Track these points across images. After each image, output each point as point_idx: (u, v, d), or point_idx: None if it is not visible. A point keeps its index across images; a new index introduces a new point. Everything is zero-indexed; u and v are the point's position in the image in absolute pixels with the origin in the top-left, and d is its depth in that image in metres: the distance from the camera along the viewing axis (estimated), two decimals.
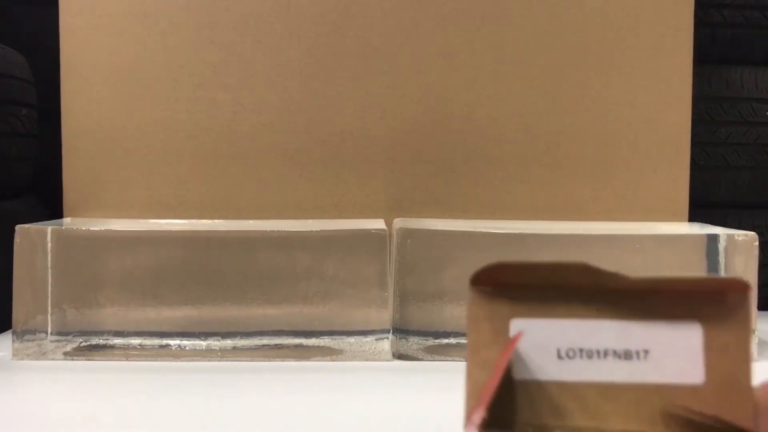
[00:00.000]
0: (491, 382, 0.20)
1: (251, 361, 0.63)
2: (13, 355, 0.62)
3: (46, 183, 0.84)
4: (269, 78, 0.76)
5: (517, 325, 0.23)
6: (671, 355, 0.22)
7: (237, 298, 0.64)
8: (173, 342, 0.64)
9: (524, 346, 0.23)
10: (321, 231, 0.65)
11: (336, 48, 0.76)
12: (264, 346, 0.63)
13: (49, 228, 0.63)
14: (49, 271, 0.63)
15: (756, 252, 0.63)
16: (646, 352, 0.23)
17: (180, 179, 0.76)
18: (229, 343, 0.63)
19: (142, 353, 0.63)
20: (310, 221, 0.72)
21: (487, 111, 0.77)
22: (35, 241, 0.63)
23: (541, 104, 0.77)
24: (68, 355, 0.63)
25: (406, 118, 0.77)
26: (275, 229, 0.65)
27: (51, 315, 0.63)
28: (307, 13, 0.76)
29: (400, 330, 0.64)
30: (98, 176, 0.75)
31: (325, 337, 0.64)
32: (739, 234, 0.64)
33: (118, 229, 0.66)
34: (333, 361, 0.63)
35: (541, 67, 0.77)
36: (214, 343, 0.63)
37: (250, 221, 0.74)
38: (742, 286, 0.22)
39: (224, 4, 0.75)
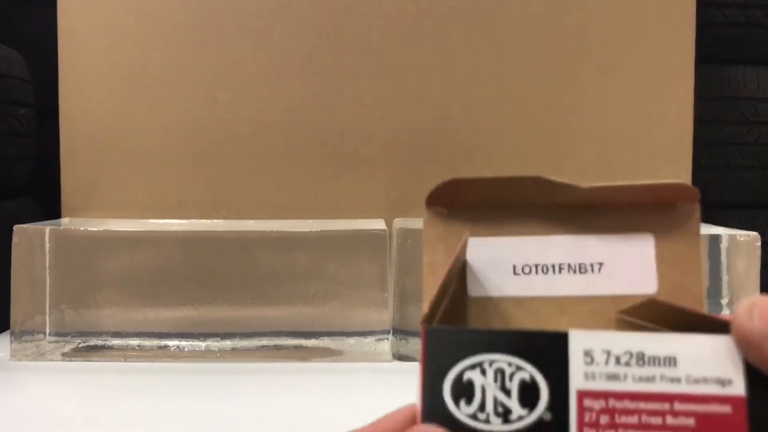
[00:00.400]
0: (442, 282, 0.20)
1: (251, 362, 0.62)
2: (12, 355, 0.62)
3: (44, 183, 0.84)
4: (269, 78, 0.76)
5: (473, 243, 0.23)
6: (625, 266, 0.23)
7: (236, 298, 0.64)
8: (172, 343, 0.63)
9: (479, 264, 0.23)
10: (321, 231, 0.64)
11: (336, 48, 0.76)
12: (263, 347, 0.63)
13: (47, 228, 0.63)
14: (48, 271, 0.63)
15: (758, 252, 0.63)
16: (600, 264, 0.23)
17: (179, 179, 0.75)
18: (228, 344, 0.63)
19: (141, 354, 0.63)
20: (310, 221, 0.72)
21: (487, 111, 0.77)
22: (33, 241, 0.63)
23: (541, 104, 0.77)
24: (66, 355, 0.63)
25: (406, 118, 0.76)
26: (275, 230, 0.65)
27: (49, 315, 0.63)
28: (307, 13, 0.76)
29: (400, 331, 0.64)
30: (97, 176, 0.75)
31: (325, 337, 0.63)
32: (741, 234, 0.64)
33: (116, 229, 0.66)
34: (333, 361, 0.63)
35: (541, 66, 0.76)
36: (214, 344, 0.63)
37: (250, 221, 0.74)
38: (691, 194, 0.22)
39: (224, 3, 0.75)
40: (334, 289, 0.63)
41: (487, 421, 0.19)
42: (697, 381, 0.18)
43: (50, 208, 0.80)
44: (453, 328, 0.20)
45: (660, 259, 0.23)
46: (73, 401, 0.53)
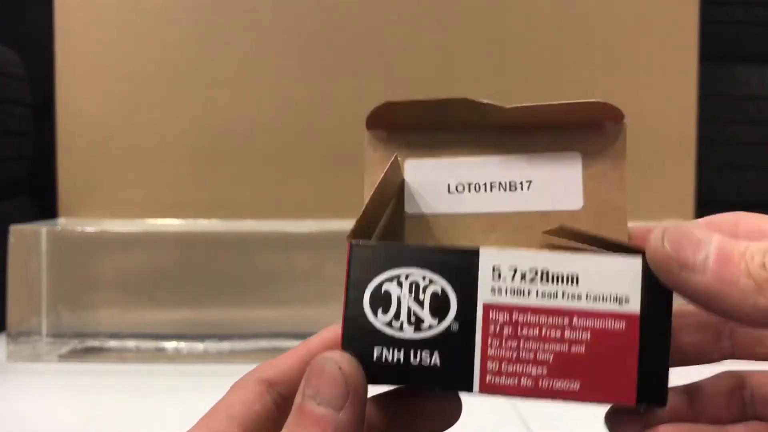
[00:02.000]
0: (369, 198, 0.22)
1: (249, 363, 0.62)
2: (8, 357, 0.62)
3: (40, 182, 0.83)
4: (268, 77, 0.75)
5: (410, 165, 0.25)
6: (552, 184, 0.24)
7: (235, 299, 0.63)
8: (169, 344, 0.63)
9: (416, 184, 0.25)
10: (320, 231, 0.64)
11: (335, 46, 0.75)
12: (262, 348, 0.63)
13: (43, 228, 0.63)
14: (44, 272, 0.62)
15: None
16: (529, 182, 0.24)
17: (177, 179, 0.75)
18: (226, 345, 0.63)
19: (138, 356, 0.62)
20: (309, 222, 0.71)
21: None
22: (29, 241, 0.62)
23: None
24: (63, 357, 0.62)
25: None
26: (274, 230, 0.64)
27: (46, 317, 0.62)
28: (307, 10, 0.75)
29: None
30: (93, 176, 0.74)
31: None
32: None
33: (113, 229, 0.65)
34: None
35: (544, 65, 0.76)
36: (212, 345, 0.63)
37: (248, 222, 0.73)
38: (616, 114, 0.24)
39: (223, 2, 0.75)
40: (334, 290, 0.62)
41: (400, 329, 0.20)
42: (596, 298, 0.20)
43: (46, 208, 0.79)
44: (374, 243, 0.21)
45: (586, 176, 0.24)
46: (70, 403, 0.53)
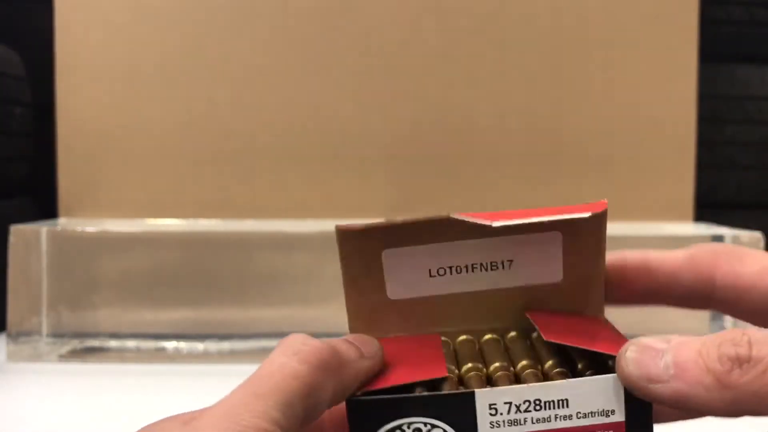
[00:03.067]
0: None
1: (250, 363, 0.62)
2: (8, 357, 0.62)
3: (40, 183, 0.83)
4: (268, 77, 0.75)
5: (388, 253, 0.25)
6: (532, 261, 0.25)
7: (235, 299, 0.63)
8: (170, 344, 0.63)
9: (396, 271, 0.25)
10: (320, 232, 0.64)
11: (335, 46, 0.75)
12: (263, 348, 0.62)
13: (43, 228, 0.63)
14: (44, 272, 0.62)
15: None
16: (510, 261, 0.25)
17: (177, 179, 0.75)
18: (226, 345, 0.63)
19: (138, 356, 0.62)
20: (309, 222, 0.71)
21: (488, 110, 0.76)
22: (30, 241, 0.62)
23: (543, 103, 0.76)
24: (63, 357, 0.62)
25: (407, 117, 0.76)
26: (274, 230, 0.64)
27: (46, 316, 0.62)
28: (306, 10, 0.75)
29: None
30: (94, 176, 0.74)
31: (325, 339, 0.63)
32: (745, 234, 0.63)
33: (113, 229, 0.65)
34: None
35: (543, 65, 0.76)
36: (212, 345, 0.63)
37: (249, 222, 0.73)
38: (602, 206, 0.25)
39: (223, 2, 0.75)
40: (334, 289, 0.62)
41: None
42: (585, 415, 0.22)
43: (47, 208, 0.79)
44: (373, 398, 0.22)
45: (566, 251, 0.25)
46: (70, 403, 0.53)
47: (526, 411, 0.22)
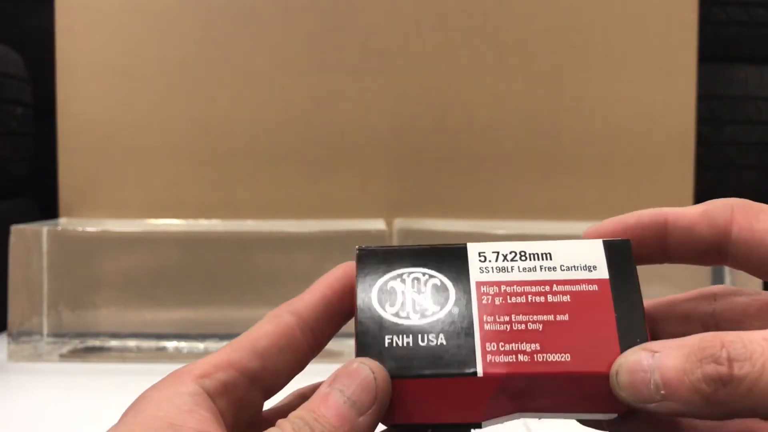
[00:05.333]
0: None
1: None
2: (9, 356, 0.62)
3: (41, 183, 0.83)
4: (268, 77, 0.75)
5: None
6: None
7: (235, 299, 0.63)
8: (170, 344, 0.63)
9: None
10: (320, 232, 0.64)
11: (336, 47, 0.75)
12: None
13: (44, 228, 0.63)
14: (45, 272, 0.62)
15: None
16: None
17: (177, 179, 0.75)
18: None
19: (139, 355, 0.62)
20: (310, 222, 0.71)
21: (488, 110, 0.76)
22: (30, 241, 0.62)
23: (543, 103, 0.76)
24: (64, 357, 0.62)
25: (407, 117, 0.76)
26: (274, 230, 0.64)
27: (47, 316, 0.62)
28: (307, 11, 0.75)
29: None
30: (94, 176, 0.74)
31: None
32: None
33: (114, 229, 0.65)
34: (332, 363, 0.62)
35: (543, 65, 0.76)
36: (212, 345, 0.63)
37: (249, 222, 0.73)
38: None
39: (223, 2, 0.75)
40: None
41: (407, 317, 0.23)
42: (569, 268, 0.23)
43: (47, 208, 0.79)
44: (378, 247, 0.24)
45: None
46: (71, 403, 0.53)
47: (512, 260, 0.24)
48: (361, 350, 0.22)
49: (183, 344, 0.63)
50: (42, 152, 0.82)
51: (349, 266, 0.25)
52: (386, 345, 0.22)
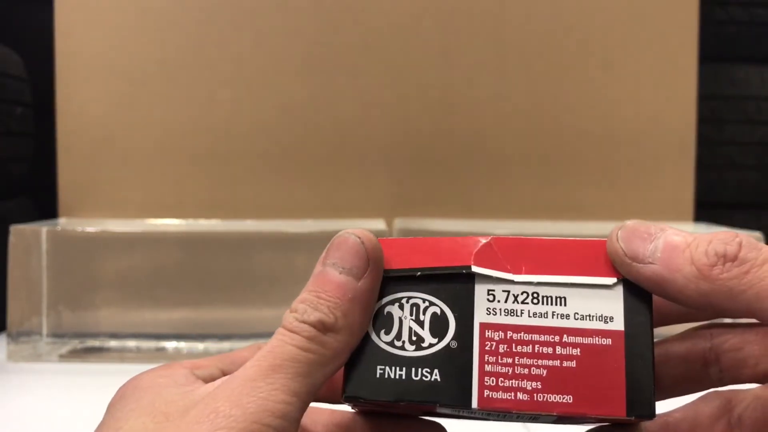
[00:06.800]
0: None
1: None
2: (8, 357, 0.62)
3: (41, 183, 0.83)
4: (268, 76, 0.75)
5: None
6: None
7: (235, 299, 0.63)
8: (170, 344, 0.63)
9: None
10: (320, 232, 0.64)
11: (336, 46, 0.75)
12: None
13: (44, 228, 0.63)
14: (44, 272, 0.62)
15: None
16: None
17: (177, 179, 0.75)
18: (226, 345, 0.63)
19: (139, 356, 0.62)
20: (309, 222, 0.71)
21: (488, 110, 0.76)
22: (30, 241, 0.62)
23: (543, 103, 0.76)
24: (64, 357, 0.62)
25: (407, 117, 0.76)
26: (274, 230, 0.64)
27: (46, 316, 0.62)
28: (307, 10, 0.75)
29: None
30: (94, 176, 0.74)
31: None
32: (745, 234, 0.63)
33: (113, 229, 0.65)
34: None
35: (543, 65, 0.76)
36: (212, 345, 0.63)
37: (248, 222, 0.73)
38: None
39: (223, 1, 0.74)
40: None
41: (402, 347, 0.22)
42: (583, 317, 0.22)
43: (47, 208, 0.79)
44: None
45: None
46: (71, 403, 0.53)
47: (523, 302, 0.22)
48: (349, 378, 0.22)
49: (182, 344, 0.63)
50: (41, 152, 0.82)
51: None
52: (377, 376, 0.21)
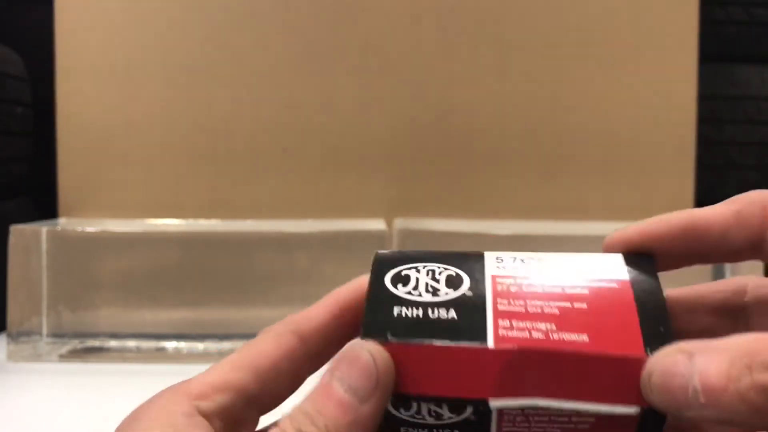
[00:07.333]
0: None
1: None
2: (8, 357, 0.62)
3: (41, 183, 0.83)
4: (268, 76, 0.75)
5: None
6: None
7: (235, 299, 0.63)
8: (170, 344, 0.63)
9: None
10: (320, 232, 0.64)
11: (335, 46, 0.75)
12: None
13: (44, 228, 0.63)
14: (44, 272, 0.62)
15: None
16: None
17: (177, 179, 0.75)
18: (226, 345, 0.63)
19: (139, 356, 0.62)
20: (309, 222, 0.71)
21: (488, 110, 0.76)
22: (30, 241, 0.62)
23: (543, 103, 0.76)
24: (63, 357, 0.62)
25: (407, 117, 0.76)
26: (273, 230, 0.64)
27: (46, 316, 0.62)
28: (306, 10, 0.75)
29: None
30: (94, 176, 0.74)
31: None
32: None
33: (114, 229, 0.65)
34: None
35: (543, 65, 0.76)
36: (212, 345, 0.63)
37: (248, 222, 0.73)
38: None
39: (222, 1, 0.74)
40: (333, 289, 0.62)
41: (419, 295, 0.22)
42: (587, 273, 0.23)
43: (47, 208, 0.79)
44: (396, 250, 0.25)
45: None
46: (71, 403, 0.53)
47: (529, 263, 0.23)
48: (368, 318, 0.22)
49: (182, 344, 0.63)
50: (42, 152, 0.82)
51: (364, 279, 0.24)
52: (395, 315, 0.22)
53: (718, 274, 0.63)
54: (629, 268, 0.23)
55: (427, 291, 0.22)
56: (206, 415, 0.21)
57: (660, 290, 0.22)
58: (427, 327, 0.21)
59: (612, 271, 0.23)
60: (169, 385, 0.23)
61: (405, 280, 0.23)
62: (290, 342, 0.23)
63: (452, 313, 0.22)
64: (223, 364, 0.22)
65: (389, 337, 0.21)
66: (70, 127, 0.74)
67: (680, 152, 0.76)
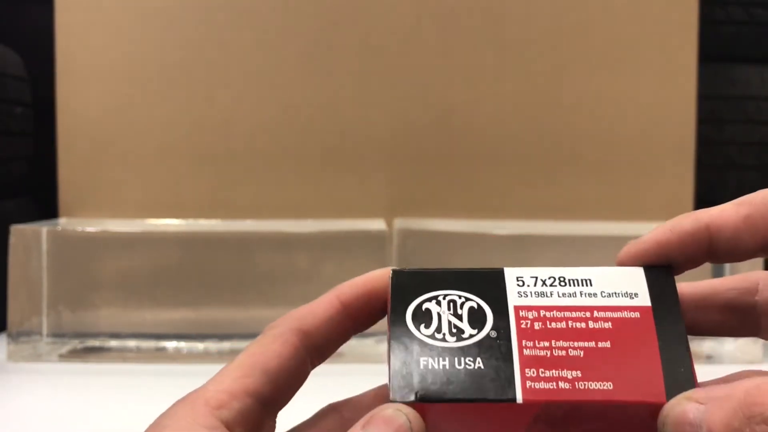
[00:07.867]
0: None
1: None
2: (8, 357, 0.62)
3: (41, 183, 0.83)
4: (268, 77, 0.75)
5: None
6: None
7: (235, 299, 0.63)
8: (170, 344, 0.63)
9: None
10: (320, 232, 0.64)
11: (336, 46, 0.75)
12: None
13: (44, 228, 0.63)
14: (45, 272, 0.62)
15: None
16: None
17: (177, 179, 0.75)
18: (227, 345, 0.63)
19: (139, 356, 0.62)
20: (309, 222, 0.71)
21: (488, 110, 0.76)
22: (30, 241, 0.62)
23: (543, 103, 0.76)
24: (64, 357, 0.62)
25: (407, 117, 0.76)
26: (274, 230, 0.64)
27: (46, 316, 0.62)
28: (307, 10, 0.75)
29: None
30: (94, 176, 0.74)
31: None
32: None
33: (114, 229, 0.65)
34: (332, 363, 0.62)
35: (543, 65, 0.76)
36: (212, 345, 0.63)
37: (249, 222, 0.73)
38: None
39: (223, 1, 0.75)
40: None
41: (443, 339, 0.22)
42: (610, 295, 0.23)
43: (47, 208, 0.79)
44: (413, 269, 0.24)
45: None
46: (71, 403, 0.53)
47: (551, 285, 0.23)
48: (396, 374, 0.22)
49: (182, 344, 0.63)
50: (42, 152, 0.82)
51: (371, 276, 0.24)
52: (421, 367, 0.21)
53: (717, 269, 0.64)
54: (650, 290, 0.23)
55: (451, 334, 0.22)
56: (228, 425, 0.21)
57: (681, 319, 0.22)
58: (454, 380, 0.21)
59: (633, 292, 0.23)
60: (169, 385, 0.23)
61: (427, 318, 0.22)
62: (295, 340, 0.23)
63: (479, 363, 0.22)
64: (234, 368, 0.22)
65: (420, 397, 0.21)
66: (70, 127, 0.74)
67: (680, 152, 0.76)
